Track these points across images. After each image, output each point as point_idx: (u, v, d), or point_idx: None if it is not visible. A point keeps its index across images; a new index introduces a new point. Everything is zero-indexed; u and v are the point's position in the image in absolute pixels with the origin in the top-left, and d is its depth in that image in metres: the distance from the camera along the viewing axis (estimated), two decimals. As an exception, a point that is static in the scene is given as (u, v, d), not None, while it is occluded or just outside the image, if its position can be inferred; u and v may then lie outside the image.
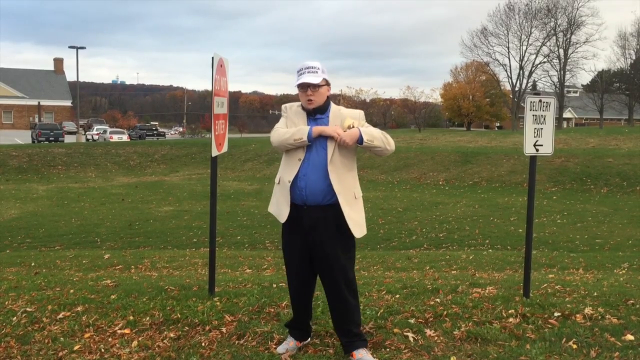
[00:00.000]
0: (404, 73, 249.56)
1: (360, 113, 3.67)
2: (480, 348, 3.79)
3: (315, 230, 3.49)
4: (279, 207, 3.60)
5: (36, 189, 21.24)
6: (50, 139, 41.13)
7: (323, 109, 3.60)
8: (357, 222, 3.53)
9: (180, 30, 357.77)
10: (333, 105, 3.66)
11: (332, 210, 3.47)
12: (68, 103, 72.59)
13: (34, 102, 65.30)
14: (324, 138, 3.50)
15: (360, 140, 3.44)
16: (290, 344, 3.75)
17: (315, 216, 3.48)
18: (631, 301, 4.63)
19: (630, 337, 3.92)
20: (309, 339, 3.87)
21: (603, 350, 3.76)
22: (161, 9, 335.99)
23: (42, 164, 27.27)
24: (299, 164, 3.50)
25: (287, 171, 3.55)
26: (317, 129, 3.46)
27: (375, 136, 3.49)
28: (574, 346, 3.80)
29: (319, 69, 3.55)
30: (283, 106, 3.77)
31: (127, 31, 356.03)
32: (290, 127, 3.59)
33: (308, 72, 3.54)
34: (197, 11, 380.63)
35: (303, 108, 3.65)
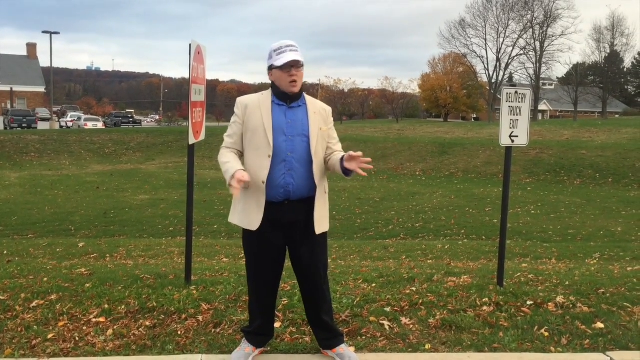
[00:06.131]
0: (389, 64, 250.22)
1: (329, 109, 3.40)
2: (455, 336, 3.85)
3: (295, 224, 3.25)
4: (249, 215, 3.22)
5: (8, 176, 20.83)
6: (23, 125, 40.35)
7: (299, 95, 3.26)
8: (325, 217, 3.34)
9: (169, 18, 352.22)
10: (304, 93, 3.34)
11: (311, 202, 3.27)
12: (41, 89, 71.10)
13: (6, 88, 63.78)
14: (304, 128, 3.21)
15: (348, 173, 3.17)
16: (247, 349, 3.45)
17: (297, 209, 3.23)
18: (602, 290, 4.73)
19: (600, 325, 4.01)
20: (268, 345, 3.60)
21: (574, 337, 3.85)
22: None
23: (15, 151, 26.76)
24: (269, 160, 3.15)
25: (258, 170, 3.17)
26: (235, 177, 2.99)
27: None
28: (546, 334, 3.88)
29: (298, 47, 3.17)
30: (238, 102, 3.29)
31: (113, 17, 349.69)
32: (250, 127, 3.21)
33: (290, 50, 3.13)
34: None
35: (276, 95, 3.24)
